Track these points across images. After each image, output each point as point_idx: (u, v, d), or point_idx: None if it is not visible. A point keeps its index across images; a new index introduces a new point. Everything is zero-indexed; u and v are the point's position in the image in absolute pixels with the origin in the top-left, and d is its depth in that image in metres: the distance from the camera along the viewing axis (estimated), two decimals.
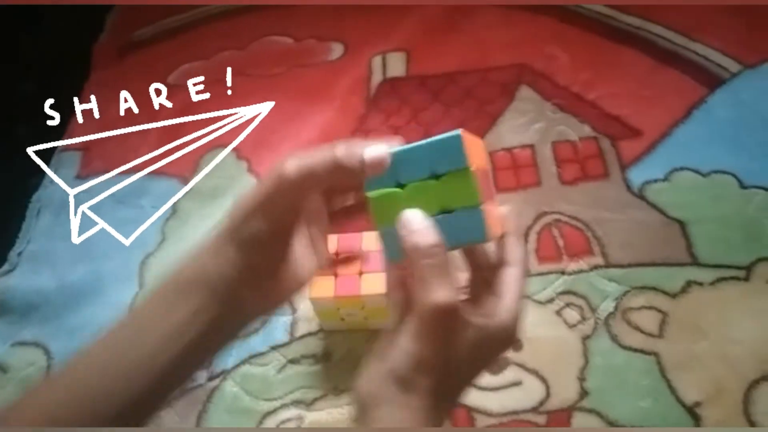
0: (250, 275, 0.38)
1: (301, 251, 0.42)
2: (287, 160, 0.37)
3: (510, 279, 0.39)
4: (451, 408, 0.39)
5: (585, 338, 0.66)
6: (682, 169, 0.78)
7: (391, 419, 0.35)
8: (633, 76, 0.88)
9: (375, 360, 0.37)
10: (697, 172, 0.77)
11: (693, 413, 0.60)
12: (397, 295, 0.40)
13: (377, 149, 0.35)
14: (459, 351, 0.36)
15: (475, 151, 0.37)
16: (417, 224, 0.36)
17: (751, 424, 0.59)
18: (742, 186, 0.75)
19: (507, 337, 0.38)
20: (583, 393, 0.63)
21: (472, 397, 0.64)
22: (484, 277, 0.40)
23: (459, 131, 0.35)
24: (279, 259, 0.39)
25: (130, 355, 0.37)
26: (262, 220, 0.36)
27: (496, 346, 0.38)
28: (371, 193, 0.37)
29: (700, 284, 0.68)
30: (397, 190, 0.37)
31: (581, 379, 0.64)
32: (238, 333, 0.41)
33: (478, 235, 0.36)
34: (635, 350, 0.65)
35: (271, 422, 0.65)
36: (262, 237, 0.36)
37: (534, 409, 0.62)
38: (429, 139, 0.36)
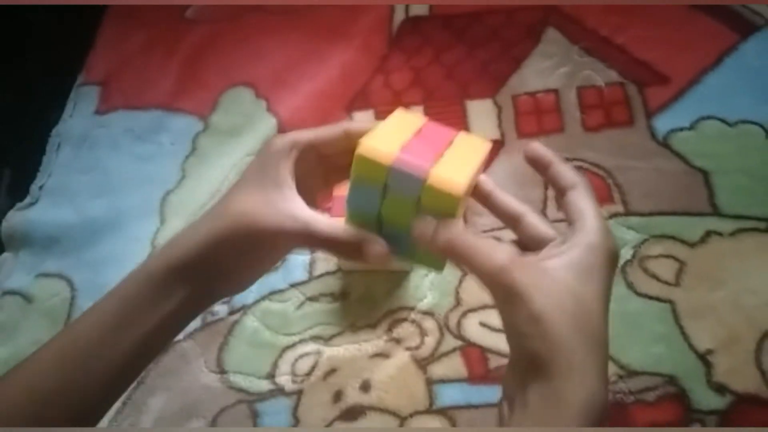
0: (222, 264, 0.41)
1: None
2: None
3: (578, 198, 0.36)
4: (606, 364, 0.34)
5: None
6: (709, 118, 0.76)
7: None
8: (664, 20, 0.85)
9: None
10: (724, 121, 0.76)
11: (705, 360, 0.61)
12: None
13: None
14: (556, 293, 0.33)
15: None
16: (432, 221, 0.36)
17: (762, 373, 0.60)
18: None
19: (608, 256, 0.35)
20: None
21: (486, 338, 0.65)
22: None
23: (460, 193, 0.35)
24: None
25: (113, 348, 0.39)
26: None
27: (600, 269, 0.34)
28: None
29: (720, 234, 0.68)
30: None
31: None
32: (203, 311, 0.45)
33: (408, 254, 0.40)
34: (650, 297, 0.65)
35: (290, 356, 0.67)
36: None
37: None
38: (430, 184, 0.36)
